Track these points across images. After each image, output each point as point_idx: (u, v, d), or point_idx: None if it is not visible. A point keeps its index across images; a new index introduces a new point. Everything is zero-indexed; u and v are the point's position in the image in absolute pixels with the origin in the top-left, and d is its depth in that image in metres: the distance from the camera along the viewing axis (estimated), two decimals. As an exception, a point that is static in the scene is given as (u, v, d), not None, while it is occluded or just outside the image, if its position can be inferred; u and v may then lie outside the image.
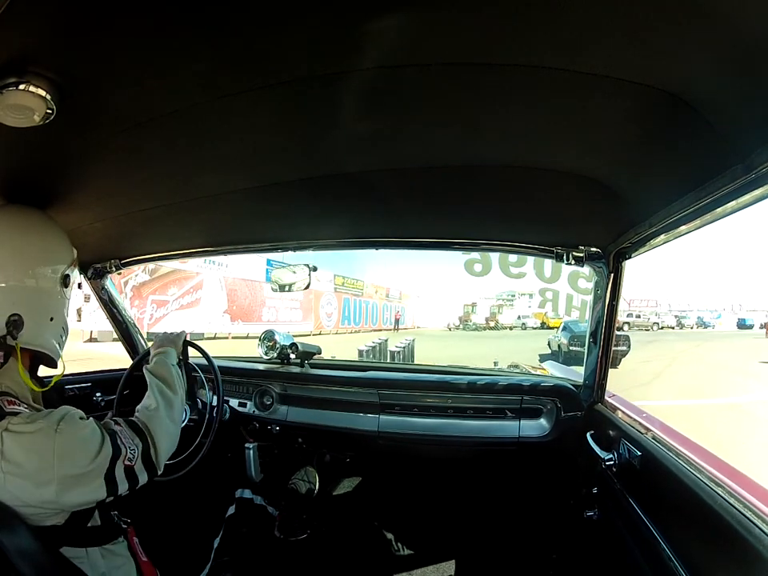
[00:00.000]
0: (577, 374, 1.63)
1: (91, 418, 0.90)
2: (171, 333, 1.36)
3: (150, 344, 1.89)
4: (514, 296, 28.43)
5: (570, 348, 11.17)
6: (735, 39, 0.52)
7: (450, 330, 25.79)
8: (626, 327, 22.79)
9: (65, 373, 1.04)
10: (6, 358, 0.90)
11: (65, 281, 1.01)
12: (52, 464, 0.78)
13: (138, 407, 1.03)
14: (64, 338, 1.03)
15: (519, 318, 26.30)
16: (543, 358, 9.34)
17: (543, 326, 24.02)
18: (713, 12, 0.49)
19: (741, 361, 11.79)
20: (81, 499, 0.83)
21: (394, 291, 25.20)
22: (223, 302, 14.09)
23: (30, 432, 0.79)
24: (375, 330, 20.29)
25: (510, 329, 25.55)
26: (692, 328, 27.11)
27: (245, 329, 13.96)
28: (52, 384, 1.00)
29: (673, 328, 26.19)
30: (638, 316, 25.70)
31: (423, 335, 18.73)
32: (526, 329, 24.92)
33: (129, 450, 0.89)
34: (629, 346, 10.23)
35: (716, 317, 29.07)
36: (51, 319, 0.98)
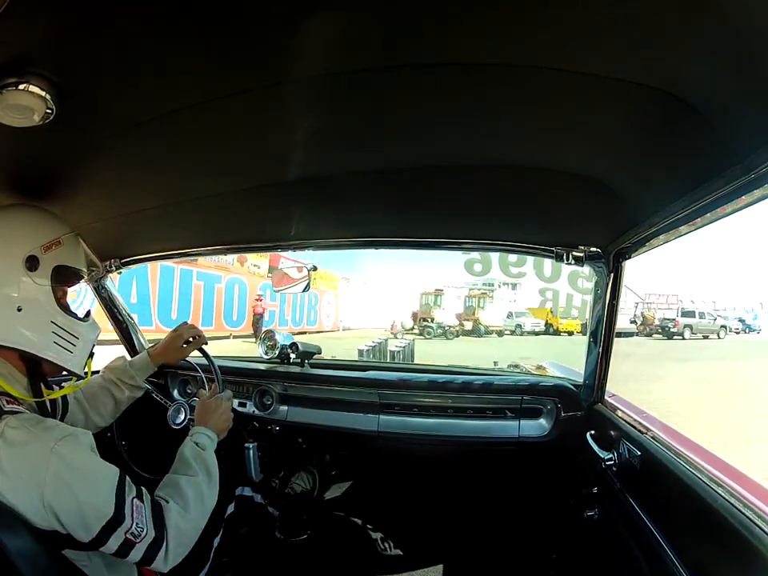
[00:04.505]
0: (577, 373, 1.63)
1: (113, 467, 0.83)
2: (218, 397, 1.18)
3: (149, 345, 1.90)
4: (493, 285, 19.66)
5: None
6: (735, 39, 0.52)
7: (394, 336, 14.19)
8: (686, 333, 16.67)
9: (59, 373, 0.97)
10: None
11: (29, 264, 0.88)
12: (44, 479, 0.76)
13: (167, 493, 0.89)
14: (67, 338, 0.92)
15: (511, 315, 18.18)
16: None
17: (549, 328, 17.29)
18: (712, 12, 0.49)
19: None
20: (64, 520, 0.78)
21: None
22: None
23: (23, 443, 0.77)
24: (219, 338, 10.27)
25: (500, 333, 17.28)
26: (737, 332, 19.60)
27: None
28: (53, 396, 0.96)
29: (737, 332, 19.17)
30: (702, 315, 17.73)
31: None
32: (522, 333, 17.37)
33: (136, 527, 0.80)
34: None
35: (753, 317, 22.97)
36: (19, 309, 0.86)
